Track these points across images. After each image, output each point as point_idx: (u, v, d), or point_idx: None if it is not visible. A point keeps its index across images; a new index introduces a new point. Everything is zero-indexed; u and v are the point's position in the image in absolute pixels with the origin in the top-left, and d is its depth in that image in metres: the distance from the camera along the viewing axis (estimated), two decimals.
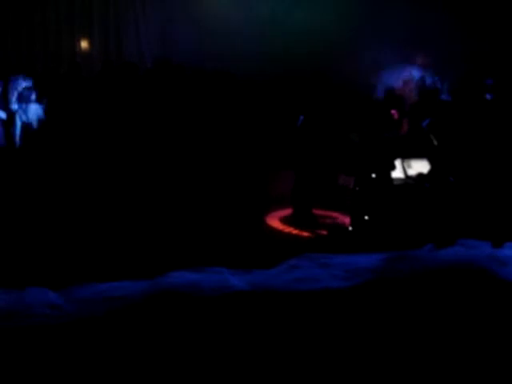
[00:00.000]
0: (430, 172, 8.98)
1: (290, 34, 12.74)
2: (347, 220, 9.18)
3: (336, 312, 6.40)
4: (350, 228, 8.95)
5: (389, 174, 8.85)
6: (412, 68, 12.58)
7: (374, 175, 8.72)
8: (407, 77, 12.34)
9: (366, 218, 8.72)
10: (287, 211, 9.78)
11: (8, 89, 10.07)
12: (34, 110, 9.80)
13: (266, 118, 10.28)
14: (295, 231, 9.22)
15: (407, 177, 9.21)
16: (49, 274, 7.05)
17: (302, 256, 7.64)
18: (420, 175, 9.12)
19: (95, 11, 13.52)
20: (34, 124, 9.77)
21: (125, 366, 5.37)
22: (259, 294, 6.79)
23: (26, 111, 9.77)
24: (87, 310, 6.39)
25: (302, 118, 9.64)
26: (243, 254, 7.76)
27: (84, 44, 13.62)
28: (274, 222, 9.54)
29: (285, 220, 9.60)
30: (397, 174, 9.07)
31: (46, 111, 9.78)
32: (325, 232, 9.17)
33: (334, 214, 9.76)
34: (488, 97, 10.66)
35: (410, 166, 9.29)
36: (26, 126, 9.77)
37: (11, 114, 9.88)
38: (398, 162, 9.04)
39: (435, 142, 9.08)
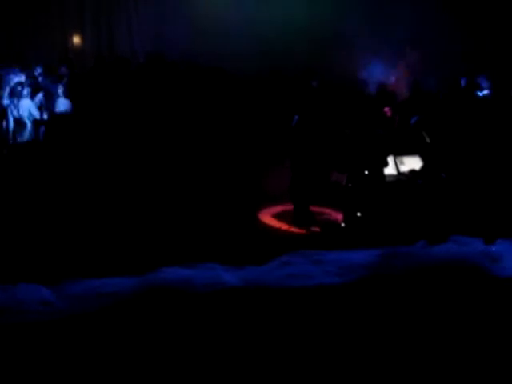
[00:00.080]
0: (423, 168, 9.01)
1: (285, 32, 12.74)
2: (340, 216, 9.18)
3: (329, 308, 6.42)
4: (343, 224, 8.96)
5: (381, 171, 8.86)
6: (406, 65, 12.60)
7: (366, 172, 8.72)
8: (400, 73, 12.34)
9: (359, 214, 8.72)
10: (280, 208, 9.77)
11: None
12: (26, 106, 9.76)
13: (259, 116, 10.28)
14: (288, 227, 9.21)
15: (400, 173, 9.23)
16: (41, 270, 7.02)
17: (295, 252, 7.66)
18: (412, 172, 9.14)
19: (87, 10, 13.47)
20: (26, 119, 9.74)
21: (117, 362, 5.37)
22: (252, 290, 6.79)
23: (17, 107, 9.73)
24: (79, 306, 6.39)
25: (296, 117, 9.63)
26: (236, 250, 7.75)
27: (76, 41, 13.57)
28: (267, 218, 9.53)
29: (278, 216, 9.59)
30: (389, 170, 9.09)
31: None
32: (318, 228, 9.16)
33: (327, 211, 9.76)
34: (479, 94, 10.68)
35: (402, 163, 9.30)
36: (18, 121, 9.74)
37: (3, 110, 9.85)
38: (390, 159, 9.05)
39: (427, 139, 9.10)
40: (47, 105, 9.98)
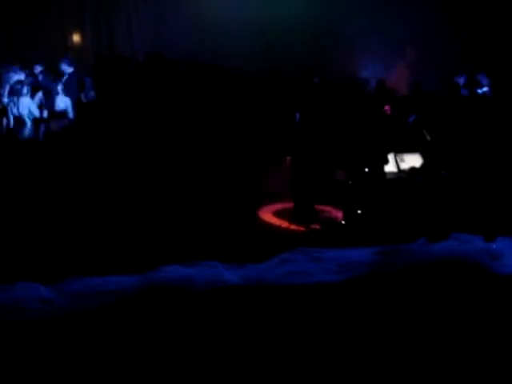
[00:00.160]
0: (423, 166, 9.00)
1: (285, 32, 12.75)
2: (340, 214, 9.18)
3: (328, 306, 6.41)
4: (343, 222, 8.95)
5: (382, 168, 8.86)
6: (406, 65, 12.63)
7: (366, 169, 8.72)
8: (400, 73, 12.37)
9: (359, 211, 8.72)
10: (280, 205, 9.77)
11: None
12: (26, 104, 9.77)
13: (259, 114, 10.28)
14: (288, 225, 9.21)
15: (400, 171, 9.22)
16: (41, 268, 7.01)
17: (295, 250, 7.65)
18: (413, 169, 9.13)
19: (87, 9, 13.47)
20: (25, 118, 9.75)
21: (117, 360, 5.35)
22: (252, 288, 6.79)
23: (17, 105, 9.74)
24: (79, 304, 6.37)
25: (297, 115, 9.64)
26: (236, 248, 7.75)
27: (76, 41, 13.58)
28: (267, 216, 9.53)
29: (278, 214, 9.59)
30: (390, 168, 9.08)
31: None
32: (318, 226, 9.16)
33: (327, 208, 9.75)
34: (479, 92, 10.70)
35: (402, 160, 9.29)
36: (18, 119, 9.75)
37: (3, 108, 9.86)
38: (390, 156, 9.05)
39: (428, 137, 9.09)
40: (47, 103, 9.99)
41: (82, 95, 10.32)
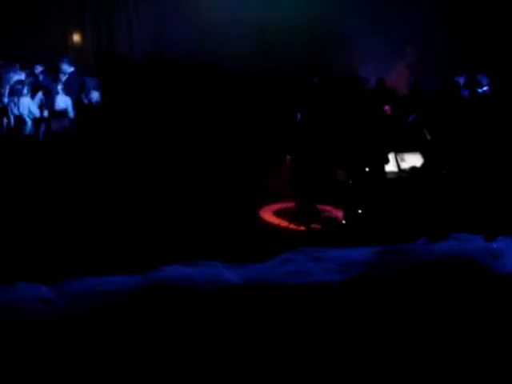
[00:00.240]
0: (423, 165, 8.99)
1: (285, 31, 12.75)
2: (340, 214, 9.18)
3: (329, 305, 6.40)
4: (344, 222, 8.95)
5: (382, 168, 8.86)
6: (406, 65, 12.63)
7: (367, 169, 8.72)
8: (400, 73, 12.37)
9: (360, 211, 8.71)
10: (281, 205, 9.77)
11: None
12: (26, 104, 9.77)
13: (259, 114, 10.28)
14: (289, 225, 9.21)
15: (400, 170, 9.22)
16: (41, 268, 7.01)
17: (295, 250, 7.65)
18: (413, 169, 9.13)
19: (87, 9, 13.47)
20: (26, 118, 9.75)
21: (117, 360, 5.35)
22: (252, 287, 6.78)
23: (17, 105, 9.74)
24: (80, 303, 6.38)
25: (299, 115, 9.63)
26: (237, 248, 7.74)
27: (76, 41, 13.58)
28: (268, 215, 9.53)
29: (278, 214, 9.59)
30: (390, 167, 9.08)
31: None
32: (318, 225, 9.16)
33: (328, 208, 9.75)
34: (479, 91, 10.70)
35: (403, 160, 9.29)
36: (18, 119, 9.75)
37: (4, 107, 9.87)
38: (391, 156, 9.05)
39: (428, 136, 9.09)
40: (47, 103, 10.00)
41: (83, 96, 10.32)
